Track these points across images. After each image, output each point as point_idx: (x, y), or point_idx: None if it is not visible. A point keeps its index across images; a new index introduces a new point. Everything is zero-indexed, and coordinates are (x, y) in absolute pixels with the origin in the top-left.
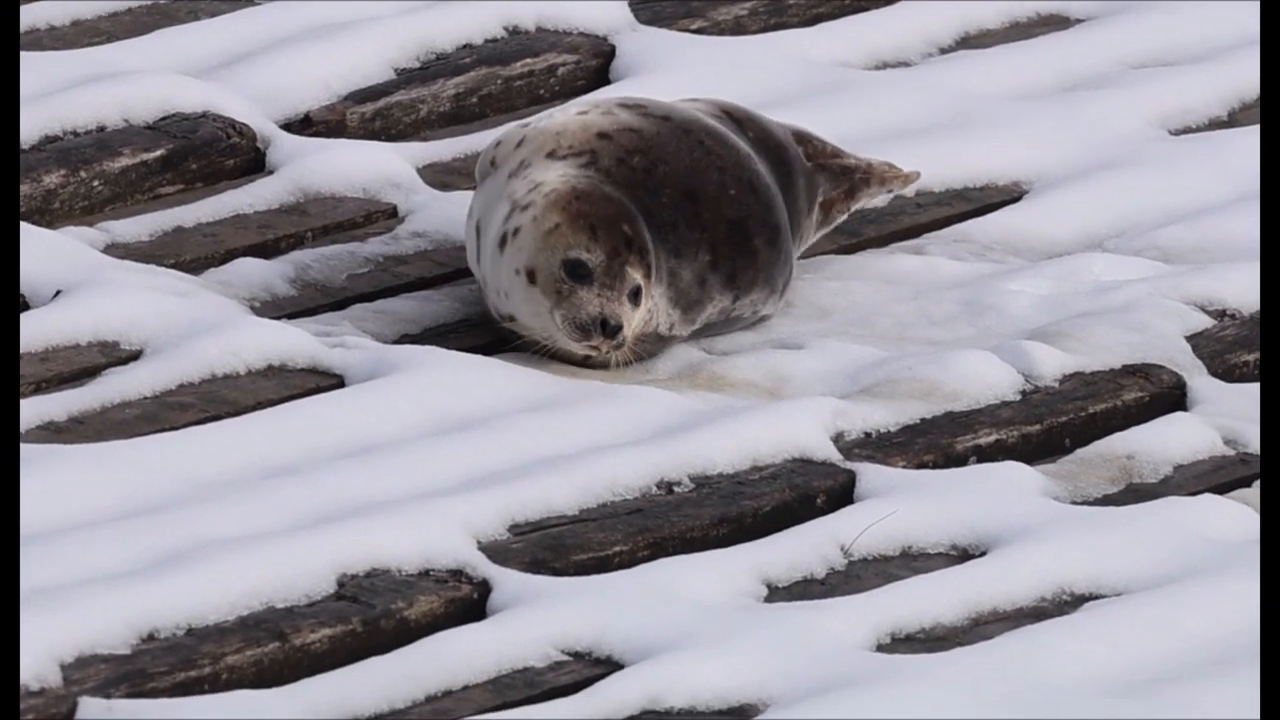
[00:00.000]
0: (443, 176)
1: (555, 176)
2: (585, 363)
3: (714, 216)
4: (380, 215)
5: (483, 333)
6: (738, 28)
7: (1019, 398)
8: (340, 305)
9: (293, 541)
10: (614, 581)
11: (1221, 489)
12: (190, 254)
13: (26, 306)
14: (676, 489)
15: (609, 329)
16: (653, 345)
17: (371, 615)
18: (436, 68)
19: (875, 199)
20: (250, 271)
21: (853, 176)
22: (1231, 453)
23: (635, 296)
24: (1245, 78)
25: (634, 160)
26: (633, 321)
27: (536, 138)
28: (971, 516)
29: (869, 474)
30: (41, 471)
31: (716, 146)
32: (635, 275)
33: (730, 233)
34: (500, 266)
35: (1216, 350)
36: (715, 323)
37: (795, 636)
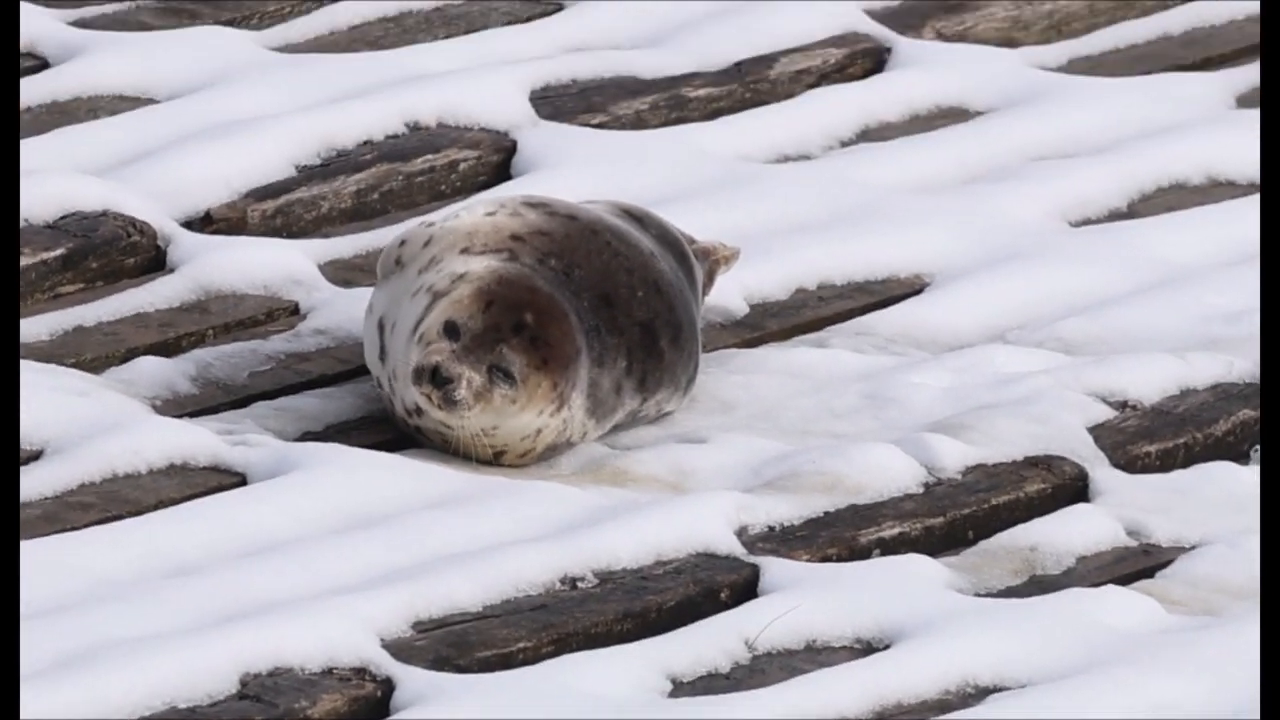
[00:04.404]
0: (345, 273)
1: (481, 266)
2: (494, 461)
3: (627, 320)
4: (282, 312)
5: (385, 429)
6: (639, 122)
7: (922, 490)
8: (242, 403)
9: (195, 640)
10: (518, 678)
11: (1124, 580)
12: (91, 353)
13: None
14: (580, 584)
15: (439, 379)
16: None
17: (275, 714)
18: (338, 164)
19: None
20: (152, 370)
21: (708, 259)
22: (1134, 544)
23: (504, 379)
24: (1144, 169)
25: (551, 263)
26: (481, 398)
27: (446, 236)
28: (875, 609)
29: (773, 568)
30: None
31: (623, 247)
32: (514, 361)
33: (641, 336)
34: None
35: (1118, 441)
36: (620, 423)
37: None
